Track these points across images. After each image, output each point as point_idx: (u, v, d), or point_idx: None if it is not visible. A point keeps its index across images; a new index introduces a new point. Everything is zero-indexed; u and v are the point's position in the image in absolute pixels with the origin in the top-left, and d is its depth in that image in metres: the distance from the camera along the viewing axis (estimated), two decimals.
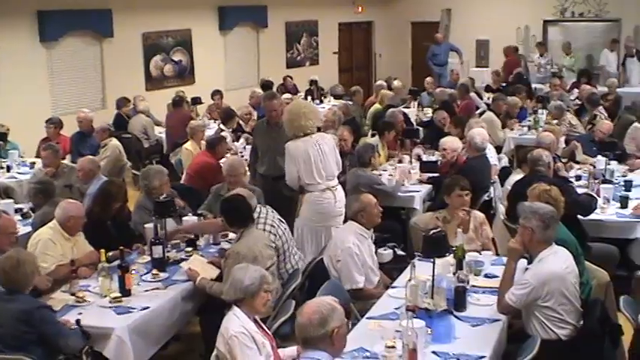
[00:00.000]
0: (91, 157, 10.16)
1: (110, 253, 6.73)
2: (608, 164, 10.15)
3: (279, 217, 7.40)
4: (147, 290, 6.54)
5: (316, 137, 8.41)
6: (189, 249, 7.53)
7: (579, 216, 7.92)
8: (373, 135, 11.77)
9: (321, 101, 17.63)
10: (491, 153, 10.54)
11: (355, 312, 6.34)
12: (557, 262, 5.77)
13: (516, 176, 8.92)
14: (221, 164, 9.92)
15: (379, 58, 24.69)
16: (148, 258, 7.11)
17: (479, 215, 7.77)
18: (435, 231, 6.16)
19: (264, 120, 9.77)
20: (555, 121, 13.01)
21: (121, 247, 6.69)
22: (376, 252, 7.38)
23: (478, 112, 15.15)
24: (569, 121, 13.36)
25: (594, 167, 10.10)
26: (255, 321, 5.32)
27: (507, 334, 5.94)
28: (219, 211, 7.36)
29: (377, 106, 14.96)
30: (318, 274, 6.89)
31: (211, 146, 10.41)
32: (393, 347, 5.14)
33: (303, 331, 4.42)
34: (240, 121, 13.52)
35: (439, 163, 10.47)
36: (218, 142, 10.49)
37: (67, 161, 11.18)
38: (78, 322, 5.77)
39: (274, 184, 9.01)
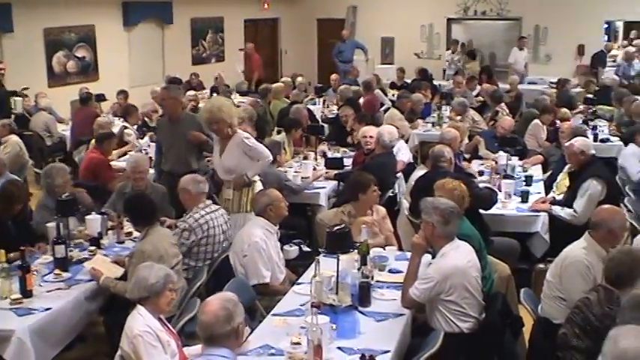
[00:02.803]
0: None
1: (11, 254, 6.59)
2: (510, 160, 10.37)
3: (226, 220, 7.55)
4: (49, 291, 6.41)
5: None
6: (93, 248, 7.40)
7: (481, 210, 8.05)
8: (279, 132, 11.77)
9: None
10: (403, 150, 10.69)
11: (261, 309, 6.34)
12: (459, 256, 5.87)
13: (420, 172, 9.03)
14: (109, 160, 9.96)
15: (285, 54, 24.72)
16: (50, 258, 6.98)
17: (380, 209, 7.89)
18: (338, 227, 6.20)
19: (165, 116, 9.76)
20: (459, 118, 13.23)
21: (22, 248, 6.56)
22: (282, 249, 7.40)
23: (383, 108, 15.33)
24: (472, 117, 13.61)
25: (496, 163, 10.30)
26: (160, 320, 5.28)
27: (411, 328, 6.01)
28: (123, 210, 7.30)
29: (276, 102, 14.93)
30: (223, 271, 6.88)
31: (99, 142, 10.32)
32: (298, 344, 5.15)
33: (209, 329, 4.38)
34: (146, 118, 13.38)
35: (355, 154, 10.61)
36: (106, 138, 10.40)
37: None
38: None
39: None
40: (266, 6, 23.23)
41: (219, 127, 8.24)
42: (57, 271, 6.74)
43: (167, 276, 5.29)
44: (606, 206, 6.68)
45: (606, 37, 22.74)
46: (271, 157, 8.56)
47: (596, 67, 20.31)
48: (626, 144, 11.12)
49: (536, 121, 12.49)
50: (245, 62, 20.42)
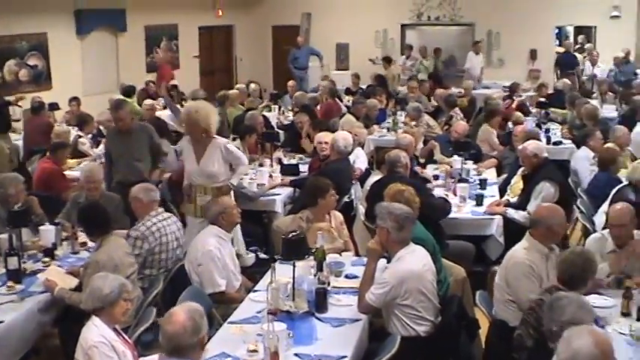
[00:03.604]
0: None
1: None
2: (464, 164, 10.45)
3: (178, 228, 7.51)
4: (1, 303, 6.33)
5: None
6: (47, 259, 7.32)
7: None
8: (234, 139, 11.72)
9: (182, 105, 17.44)
10: (361, 158, 10.72)
11: (217, 317, 6.32)
12: (414, 260, 5.90)
13: (375, 177, 9.06)
14: (63, 170, 10.04)
15: (240, 61, 24.65)
16: (3, 270, 6.87)
17: (338, 215, 7.92)
18: (293, 233, 6.20)
19: (115, 126, 9.73)
20: (413, 123, 13.29)
21: None
22: (238, 256, 7.38)
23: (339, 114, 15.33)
24: (427, 122, 13.68)
25: (451, 167, 10.37)
26: (115, 330, 5.25)
27: (368, 333, 6.04)
28: (77, 220, 7.23)
29: (232, 109, 14.90)
30: (179, 280, 6.85)
31: (52, 151, 10.23)
32: (255, 351, 5.19)
33: (176, 340, 4.35)
34: (101, 127, 13.24)
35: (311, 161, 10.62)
36: (59, 148, 10.31)
37: None
38: None
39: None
40: (220, 13, 23.14)
41: (194, 130, 8.27)
42: (10, 284, 6.65)
43: (122, 285, 5.26)
44: (545, 204, 6.88)
45: (557, 42, 23.05)
46: (247, 162, 8.58)
47: (572, 68, 20.68)
48: (578, 147, 11.26)
49: (484, 126, 12.60)
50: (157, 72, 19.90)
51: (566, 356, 3.96)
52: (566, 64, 21.02)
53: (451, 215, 8.57)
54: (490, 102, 14.39)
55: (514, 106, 14.60)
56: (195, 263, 6.78)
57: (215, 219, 7.01)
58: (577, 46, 23.06)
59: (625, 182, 8.46)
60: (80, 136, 12.44)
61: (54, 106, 15.61)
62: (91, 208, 7.06)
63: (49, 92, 16.72)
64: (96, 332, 5.07)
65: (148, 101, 15.26)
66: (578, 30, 23.64)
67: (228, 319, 5.97)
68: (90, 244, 7.45)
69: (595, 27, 22.19)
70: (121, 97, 15.40)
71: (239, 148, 10.67)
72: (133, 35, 19.90)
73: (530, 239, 6.28)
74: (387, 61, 21.33)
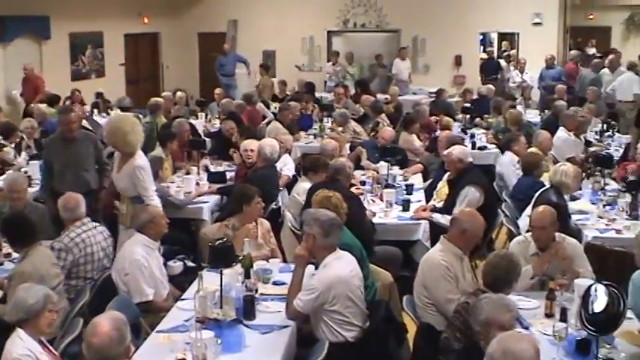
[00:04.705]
0: None
1: None
2: (391, 169, 10.54)
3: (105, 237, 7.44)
4: None
5: None
6: None
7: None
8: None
9: (108, 114, 17.27)
10: (289, 165, 10.76)
11: (145, 326, 6.28)
12: (341, 266, 5.95)
13: (304, 184, 9.06)
14: None
15: (167, 69, 24.50)
16: None
17: (265, 223, 7.91)
18: (220, 241, 6.19)
19: (58, 135, 9.50)
20: (340, 129, 13.38)
21: None
22: (166, 265, 7.34)
23: (265, 121, 15.34)
24: (354, 128, 13.78)
25: (378, 172, 10.44)
26: (41, 342, 5.18)
27: (297, 339, 6.04)
28: (0, 231, 7.12)
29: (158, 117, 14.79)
30: (106, 290, 6.78)
31: None
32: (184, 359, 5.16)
33: (103, 352, 4.32)
34: (24, 135, 13.05)
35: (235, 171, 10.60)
36: None
37: None
38: None
39: None
40: (146, 20, 22.97)
41: (113, 145, 8.26)
42: None
43: (46, 296, 5.19)
44: (467, 209, 7.02)
45: (482, 48, 23.43)
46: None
47: (495, 74, 21.04)
48: (502, 152, 11.44)
49: (403, 134, 12.69)
50: (23, 84, 18.18)
51: (497, 356, 4.00)
52: (489, 70, 21.37)
53: (378, 221, 8.67)
54: (417, 108, 14.52)
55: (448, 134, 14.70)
56: (122, 272, 6.71)
57: (143, 227, 6.95)
58: (504, 53, 23.49)
59: (547, 185, 8.63)
60: (4, 145, 12.21)
61: None
62: (15, 219, 6.96)
63: None
64: (20, 345, 5.00)
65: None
66: (502, 36, 24.09)
67: (156, 328, 5.94)
68: (14, 254, 7.33)
69: (518, 33, 22.63)
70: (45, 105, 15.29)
71: (162, 156, 10.59)
72: (57, 43, 19.60)
73: (444, 242, 6.42)
74: (265, 68, 21.33)
